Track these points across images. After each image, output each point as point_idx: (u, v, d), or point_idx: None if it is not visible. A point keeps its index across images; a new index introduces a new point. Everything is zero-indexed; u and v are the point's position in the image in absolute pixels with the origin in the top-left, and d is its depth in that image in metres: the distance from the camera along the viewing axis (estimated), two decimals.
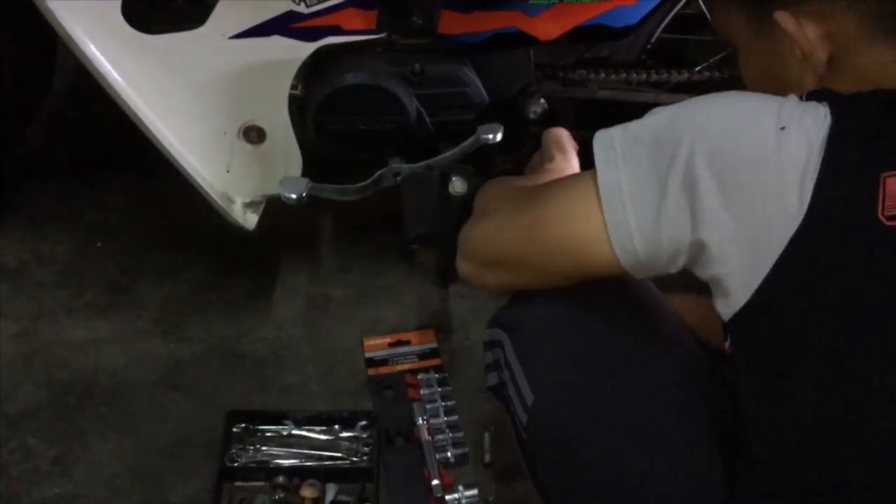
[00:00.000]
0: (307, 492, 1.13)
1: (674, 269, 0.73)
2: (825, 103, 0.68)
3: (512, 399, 0.88)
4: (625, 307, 0.85)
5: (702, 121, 0.70)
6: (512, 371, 0.88)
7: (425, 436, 1.19)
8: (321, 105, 1.20)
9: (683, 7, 1.26)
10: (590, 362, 0.83)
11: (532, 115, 1.27)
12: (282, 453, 1.18)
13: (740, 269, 0.68)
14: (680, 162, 0.68)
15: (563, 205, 0.77)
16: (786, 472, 0.71)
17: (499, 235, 0.85)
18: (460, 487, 1.13)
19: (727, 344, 0.74)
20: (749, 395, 0.74)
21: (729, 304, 0.70)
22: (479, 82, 1.23)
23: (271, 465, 1.16)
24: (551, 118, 1.29)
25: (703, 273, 0.71)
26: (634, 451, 0.79)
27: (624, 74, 1.31)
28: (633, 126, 0.74)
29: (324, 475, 1.15)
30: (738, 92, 0.74)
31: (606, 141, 0.74)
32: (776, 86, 0.79)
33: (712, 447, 0.79)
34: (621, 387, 0.82)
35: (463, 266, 0.90)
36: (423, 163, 1.21)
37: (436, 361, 1.33)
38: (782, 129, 0.66)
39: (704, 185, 0.67)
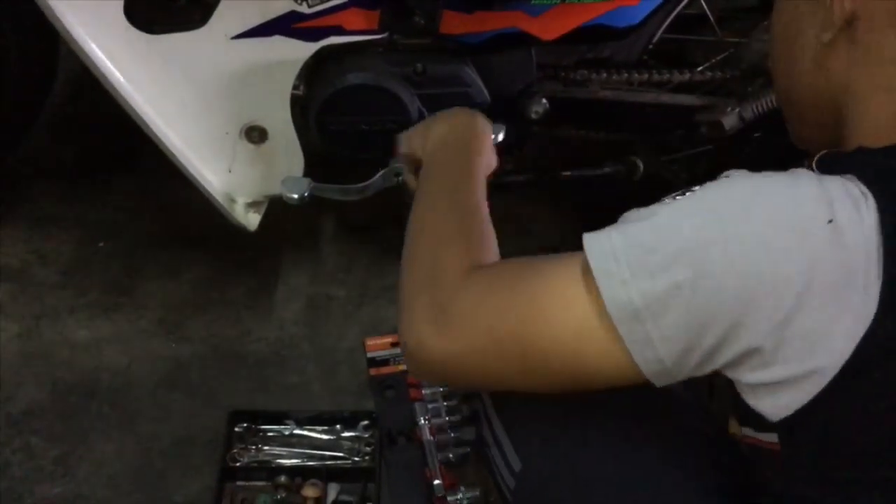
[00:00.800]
0: (309, 491, 1.13)
1: (701, 373, 0.66)
2: (851, 177, 0.62)
3: (495, 460, 0.85)
4: None
5: (732, 226, 0.62)
6: (494, 431, 0.85)
7: (427, 435, 1.20)
8: (323, 105, 1.20)
9: (685, 7, 1.26)
10: (578, 424, 0.79)
11: (534, 116, 1.27)
12: (284, 453, 1.19)
13: (802, 371, 0.61)
14: (714, 271, 0.61)
15: (567, 322, 0.67)
16: None
17: (477, 362, 0.72)
18: (462, 487, 1.13)
19: (753, 435, 0.68)
20: (800, 496, 0.67)
21: (783, 406, 0.63)
22: (480, 82, 1.23)
23: (273, 465, 1.17)
24: (553, 118, 1.29)
25: (750, 377, 0.63)
26: None
27: (626, 74, 1.30)
28: (635, 231, 0.66)
29: (326, 475, 1.15)
30: (750, 177, 0.66)
31: (603, 249, 0.65)
32: (789, 49, 0.75)
33: None
34: (615, 451, 0.78)
35: (420, 374, 0.79)
36: None
37: None
38: (830, 221, 0.59)
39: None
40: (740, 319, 0.61)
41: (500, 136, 1.18)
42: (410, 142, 1.02)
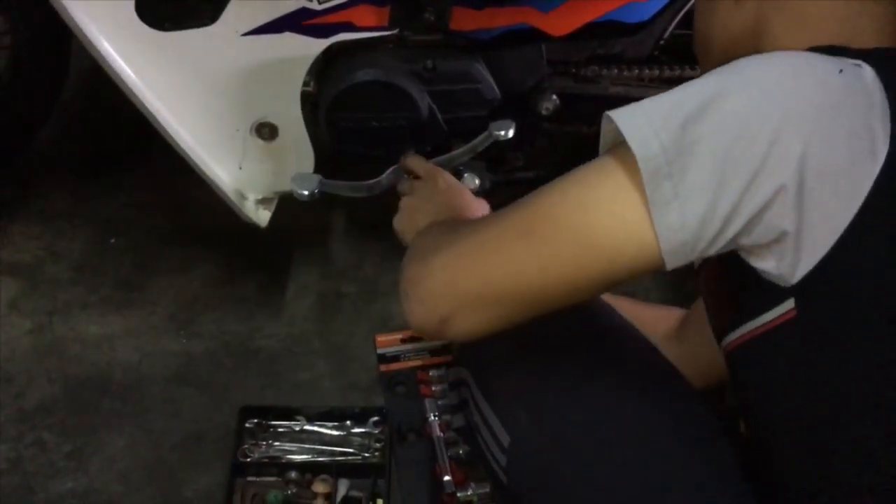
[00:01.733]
0: (319, 487, 1.13)
1: (718, 247, 0.65)
2: (838, 56, 0.67)
3: (486, 442, 0.85)
4: (582, 326, 0.79)
5: (753, 76, 0.65)
6: (481, 411, 0.85)
7: (437, 432, 1.20)
8: (333, 102, 1.20)
9: None
10: (562, 391, 0.79)
11: (544, 112, 1.26)
12: (294, 449, 1.19)
13: (820, 218, 0.62)
14: (737, 113, 0.63)
15: (579, 195, 0.67)
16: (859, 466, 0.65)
17: (488, 258, 0.70)
18: (472, 483, 1.13)
19: (770, 316, 0.67)
20: (811, 367, 0.67)
21: (802, 263, 0.63)
22: (491, 79, 1.23)
23: (283, 461, 1.17)
24: (563, 115, 1.29)
25: (767, 233, 0.63)
26: (625, 477, 0.75)
27: (637, 71, 1.30)
28: (659, 98, 0.67)
29: (336, 471, 1.15)
30: (762, 57, 0.69)
31: (633, 112, 0.66)
32: (705, 43, 0.80)
33: (711, 471, 0.75)
34: (599, 412, 0.78)
35: (423, 311, 0.72)
36: (435, 159, 1.21)
37: (447, 357, 1.33)
38: (841, 71, 0.64)
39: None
40: (764, 161, 0.62)
41: (510, 133, 1.18)
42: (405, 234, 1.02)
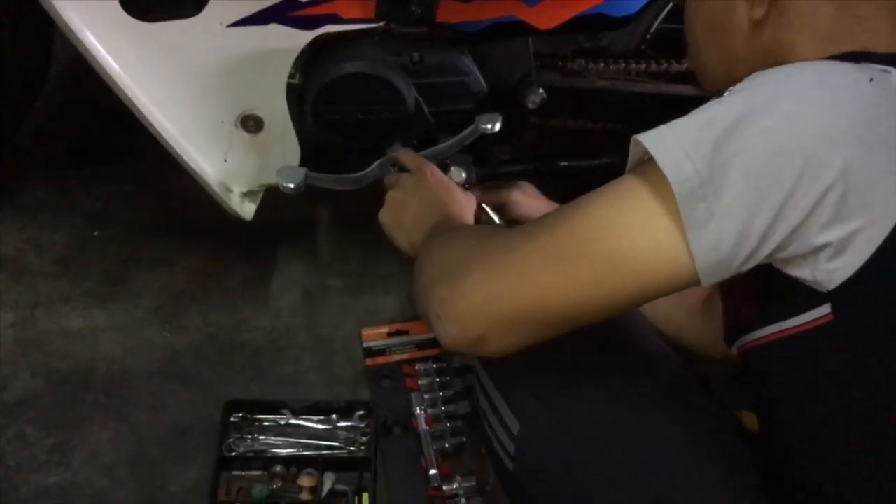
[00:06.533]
0: (305, 481, 1.13)
1: (755, 262, 0.65)
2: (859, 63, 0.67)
3: (493, 428, 0.85)
4: None
5: (784, 93, 0.64)
6: (490, 399, 0.85)
7: (423, 425, 1.20)
8: (319, 94, 1.20)
9: None
10: (572, 380, 0.80)
11: (531, 105, 1.26)
12: (279, 443, 1.19)
13: (860, 229, 0.62)
14: (770, 131, 0.63)
15: (611, 220, 0.67)
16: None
17: (521, 282, 0.70)
18: (458, 477, 1.13)
19: (806, 318, 0.67)
20: (845, 370, 0.67)
21: (843, 268, 0.63)
22: (477, 72, 1.23)
23: (269, 455, 1.17)
24: (550, 108, 1.29)
25: (804, 246, 0.63)
26: (634, 469, 0.76)
27: (623, 64, 1.30)
28: (687, 119, 0.66)
29: (321, 465, 1.15)
30: (787, 66, 0.69)
31: (662, 135, 0.66)
32: (719, 37, 0.79)
33: (718, 462, 0.76)
34: (611, 402, 0.78)
35: (457, 332, 0.72)
36: (421, 153, 1.21)
37: (434, 351, 1.33)
38: (871, 80, 0.64)
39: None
40: (799, 178, 0.61)
41: (497, 126, 1.18)
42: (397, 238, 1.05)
